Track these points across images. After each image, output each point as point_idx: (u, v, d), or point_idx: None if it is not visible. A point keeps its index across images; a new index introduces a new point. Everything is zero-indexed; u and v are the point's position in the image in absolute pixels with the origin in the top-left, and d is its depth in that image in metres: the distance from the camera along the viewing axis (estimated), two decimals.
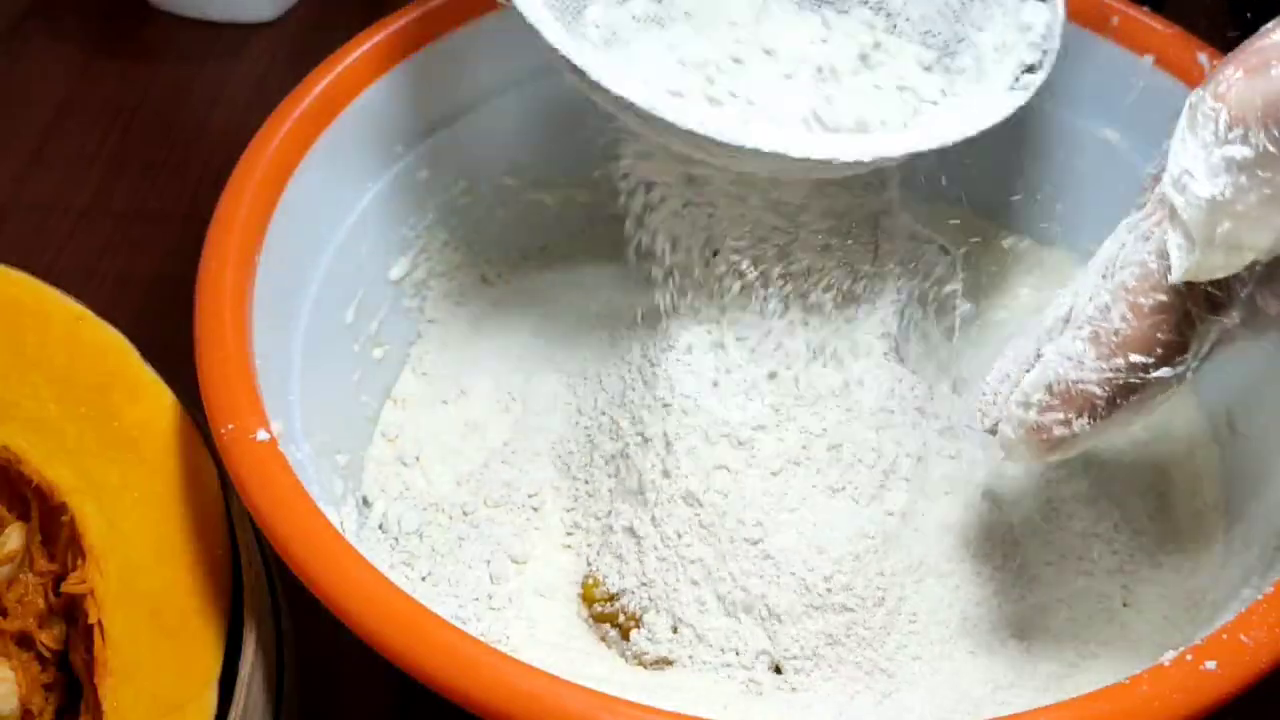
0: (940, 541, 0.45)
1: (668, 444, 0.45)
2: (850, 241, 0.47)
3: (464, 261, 0.56)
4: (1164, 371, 0.35)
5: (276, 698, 0.42)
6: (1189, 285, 0.34)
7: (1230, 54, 0.32)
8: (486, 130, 0.54)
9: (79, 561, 0.42)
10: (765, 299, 0.46)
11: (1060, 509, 0.48)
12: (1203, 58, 0.50)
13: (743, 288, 0.46)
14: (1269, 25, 0.32)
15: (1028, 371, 0.37)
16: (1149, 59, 0.51)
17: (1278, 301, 0.34)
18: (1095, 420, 0.35)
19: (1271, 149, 0.31)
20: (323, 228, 0.48)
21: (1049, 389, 0.36)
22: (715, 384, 0.45)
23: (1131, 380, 0.35)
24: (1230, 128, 0.32)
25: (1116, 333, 0.35)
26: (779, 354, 0.45)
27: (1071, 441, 0.36)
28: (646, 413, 0.45)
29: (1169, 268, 0.34)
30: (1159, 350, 0.35)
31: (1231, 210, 0.32)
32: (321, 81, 0.48)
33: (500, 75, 0.54)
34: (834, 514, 0.44)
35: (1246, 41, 0.32)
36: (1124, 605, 0.46)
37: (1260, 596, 0.37)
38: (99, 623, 0.40)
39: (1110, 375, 0.35)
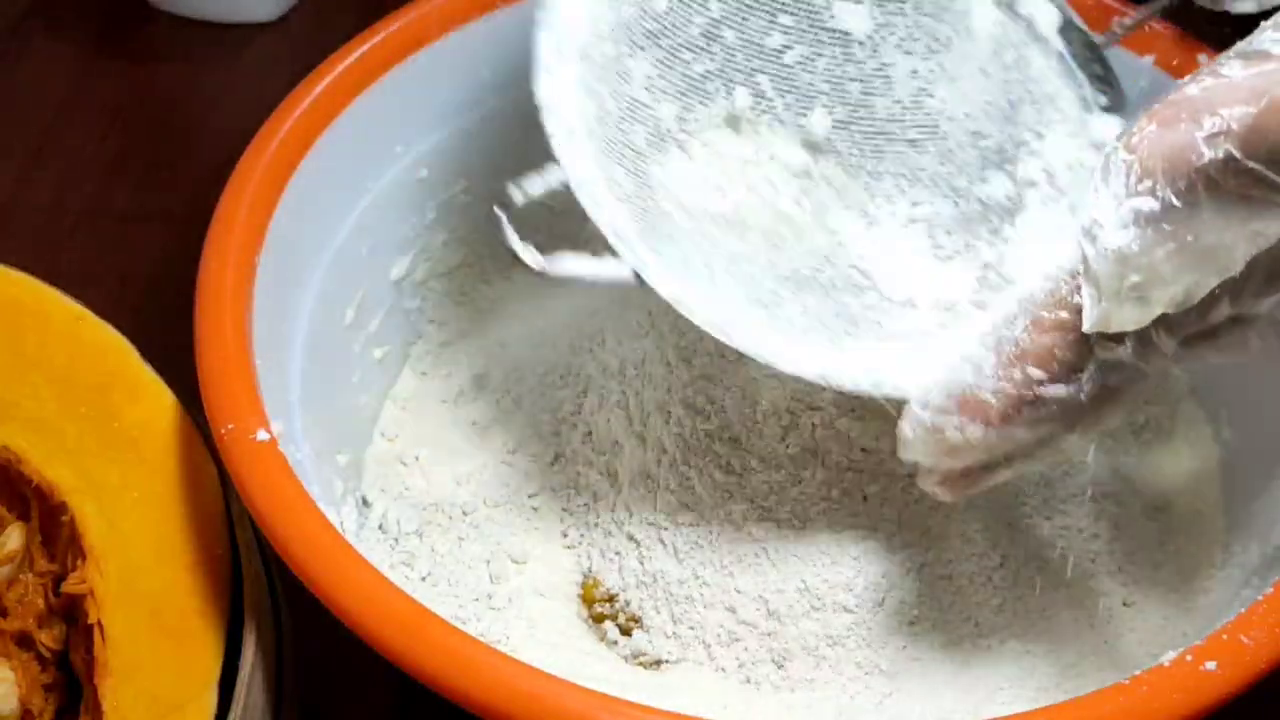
0: (940, 542, 0.45)
1: (666, 444, 0.45)
2: None
3: (464, 261, 0.56)
4: (1057, 389, 0.35)
5: (276, 698, 0.42)
6: None
7: (1147, 108, 0.33)
8: (486, 130, 0.54)
9: (79, 561, 0.42)
10: None
11: (1060, 509, 0.48)
12: (1202, 58, 0.50)
13: None
14: (1186, 79, 0.32)
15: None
16: (1149, 59, 0.51)
17: (1171, 342, 0.35)
18: (989, 427, 0.36)
19: (1176, 203, 0.31)
20: (323, 228, 0.48)
21: (947, 392, 0.36)
22: (718, 388, 0.45)
23: (1025, 393, 0.35)
24: (1139, 180, 0.32)
25: (1016, 343, 0.35)
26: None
27: (966, 449, 0.36)
28: (646, 413, 0.45)
29: (1076, 288, 0.34)
30: (1055, 366, 0.35)
31: (1139, 263, 0.32)
32: (321, 81, 0.48)
33: (500, 75, 0.54)
34: (835, 515, 0.44)
35: (1166, 95, 0.32)
36: (1124, 605, 0.46)
37: (1260, 596, 0.37)
38: (99, 623, 0.40)
39: (1005, 385, 0.35)
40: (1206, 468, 0.50)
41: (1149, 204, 0.32)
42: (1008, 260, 0.43)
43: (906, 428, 0.37)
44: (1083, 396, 0.35)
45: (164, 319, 0.44)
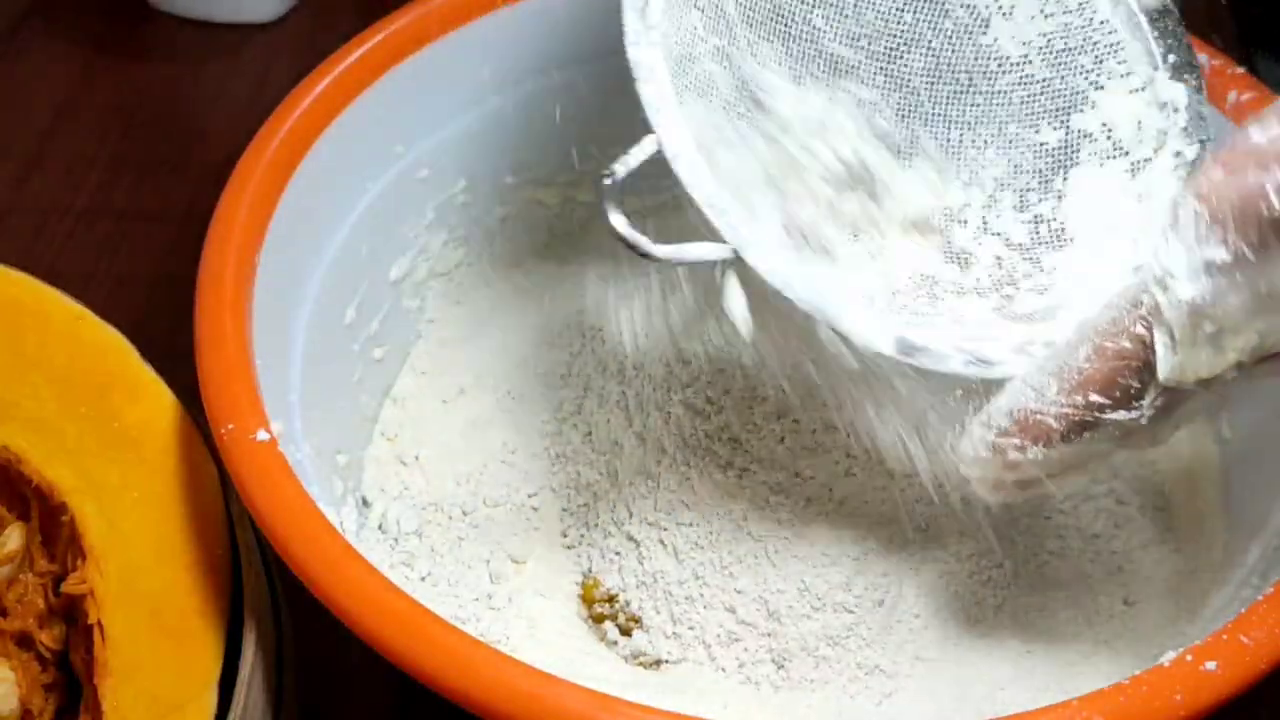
0: (940, 542, 0.45)
1: (665, 445, 0.45)
2: None
3: (464, 261, 0.56)
4: (1119, 414, 0.36)
5: (276, 698, 0.42)
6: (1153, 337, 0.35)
7: (1215, 153, 0.33)
8: (486, 130, 0.54)
9: (79, 561, 0.42)
10: None
11: (1060, 509, 0.48)
12: (1202, 58, 0.50)
13: None
14: (1250, 125, 0.33)
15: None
16: None
17: (1237, 374, 0.35)
18: (1050, 449, 0.36)
19: (1247, 253, 0.32)
20: (323, 228, 0.48)
21: (1010, 414, 0.37)
22: (716, 389, 0.45)
23: (1087, 417, 0.36)
24: (1209, 229, 0.32)
25: (1080, 371, 0.36)
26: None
27: (1026, 467, 0.37)
28: (646, 413, 0.46)
29: (1139, 318, 0.35)
30: (1116, 393, 0.35)
31: (1212, 314, 0.33)
32: (321, 81, 0.48)
33: (500, 75, 0.54)
34: (834, 515, 0.44)
35: (1230, 142, 0.33)
36: (1124, 605, 0.46)
37: (1260, 597, 0.37)
38: (99, 623, 0.40)
39: (1068, 410, 0.36)
40: (1206, 468, 0.50)
41: (1220, 254, 0.32)
42: (1061, 215, 0.42)
43: (968, 446, 0.38)
44: (1143, 421, 0.36)
45: (164, 319, 0.44)
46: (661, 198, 0.60)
